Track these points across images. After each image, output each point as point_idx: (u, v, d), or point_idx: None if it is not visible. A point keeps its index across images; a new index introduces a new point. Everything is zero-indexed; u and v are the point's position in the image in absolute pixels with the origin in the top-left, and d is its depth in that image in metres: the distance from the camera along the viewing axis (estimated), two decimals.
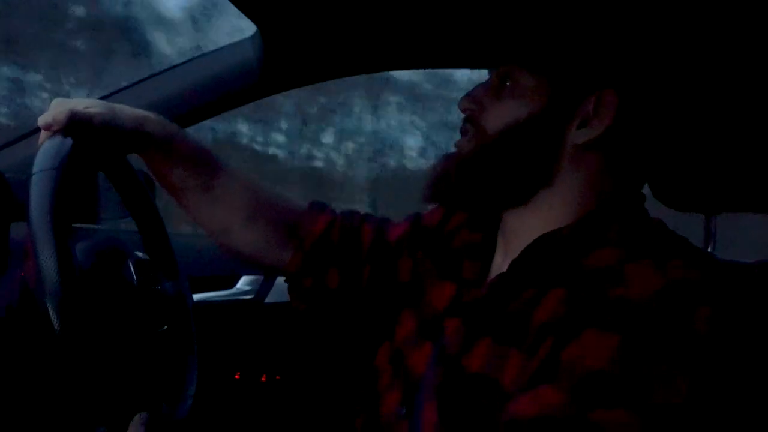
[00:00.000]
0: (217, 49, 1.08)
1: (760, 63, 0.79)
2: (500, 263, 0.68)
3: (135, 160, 0.82)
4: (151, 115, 0.75)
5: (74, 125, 0.67)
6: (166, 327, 0.75)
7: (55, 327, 0.54)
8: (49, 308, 0.54)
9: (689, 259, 0.57)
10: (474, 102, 0.67)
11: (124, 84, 1.10)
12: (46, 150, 0.61)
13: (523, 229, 0.65)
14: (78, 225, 1.07)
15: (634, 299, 0.52)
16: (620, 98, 0.61)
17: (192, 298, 0.89)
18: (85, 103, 0.71)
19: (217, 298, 1.27)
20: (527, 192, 0.64)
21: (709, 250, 1.14)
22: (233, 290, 1.28)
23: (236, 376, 1.30)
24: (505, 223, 0.68)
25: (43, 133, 0.68)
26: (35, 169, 0.59)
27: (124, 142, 0.73)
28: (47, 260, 0.54)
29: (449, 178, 0.67)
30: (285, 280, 0.85)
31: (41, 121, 0.68)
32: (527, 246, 0.63)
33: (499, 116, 0.64)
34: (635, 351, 0.50)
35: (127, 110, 0.73)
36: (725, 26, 0.71)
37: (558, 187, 0.64)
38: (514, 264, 0.63)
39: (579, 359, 0.51)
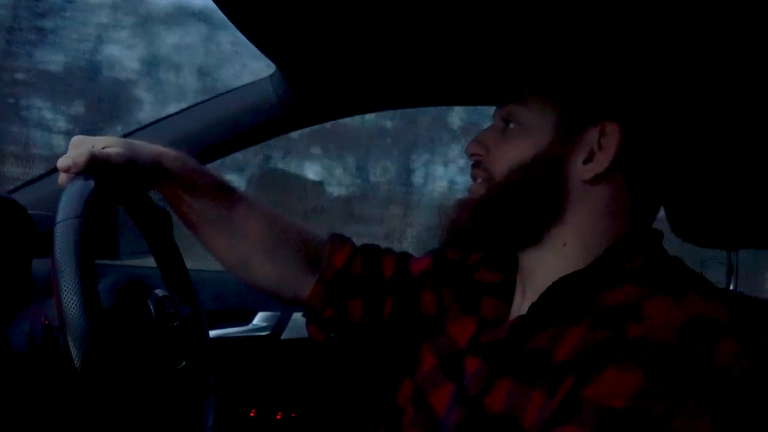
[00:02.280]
0: (237, 88, 1.11)
1: None
2: (520, 303, 0.68)
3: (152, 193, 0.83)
4: (169, 150, 0.76)
5: (93, 165, 0.67)
6: (184, 363, 0.75)
7: (77, 365, 0.54)
8: (71, 345, 0.54)
9: (709, 295, 0.56)
10: (480, 146, 0.68)
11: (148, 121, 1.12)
12: (71, 196, 0.61)
13: (540, 267, 0.66)
14: (99, 261, 1.07)
15: (654, 336, 0.51)
16: (623, 130, 0.61)
17: (209, 334, 0.88)
18: (104, 141, 0.72)
19: (233, 334, 1.26)
20: (539, 230, 0.65)
21: (731, 286, 1.12)
22: (249, 326, 1.28)
23: (251, 413, 1.29)
24: (521, 262, 0.69)
25: (62, 174, 0.69)
26: (60, 216, 0.59)
27: (144, 178, 0.74)
28: (72, 308, 0.55)
29: (463, 223, 0.67)
30: (303, 314, 0.85)
31: (61, 163, 0.68)
32: (547, 289, 0.63)
33: (505, 158, 0.65)
34: (657, 389, 0.49)
35: (145, 147, 0.74)
36: (734, 54, 0.71)
37: (570, 223, 0.64)
38: (534, 307, 0.63)
39: (600, 398, 0.50)
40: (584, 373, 0.52)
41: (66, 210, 0.60)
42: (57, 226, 0.59)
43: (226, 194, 0.80)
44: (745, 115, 0.85)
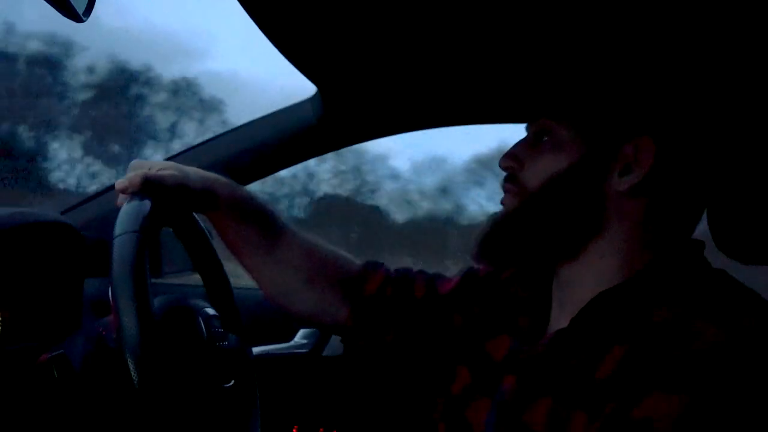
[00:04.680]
0: (278, 110, 1.13)
1: None
2: (557, 318, 0.67)
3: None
4: (220, 177, 0.79)
5: (148, 186, 0.70)
6: (232, 382, 0.76)
7: (135, 382, 0.56)
8: (129, 364, 0.56)
9: (755, 311, 0.55)
10: (513, 160, 0.68)
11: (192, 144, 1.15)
12: (128, 213, 0.64)
13: (578, 281, 0.65)
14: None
15: (699, 357, 0.51)
16: (656, 143, 0.61)
17: (252, 353, 0.90)
18: (159, 165, 0.75)
19: (274, 352, 1.28)
20: (577, 244, 0.64)
21: None
22: (290, 343, 1.29)
23: (294, 430, 1.30)
24: (559, 276, 0.68)
25: (120, 196, 0.72)
26: (119, 231, 0.62)
27: (194, 201, 0.77)
28: (129, 318, 0.57)
29: (497, 237, 0.67)
30: (341, 340, 0.86)
31: (119, 185, 0.72)
32: (587, 303, 0.62)
33: (539, 170, 0.65)
34: (704, 411, 0.48)
35: (197, 172, 0.77)
36: (761, 63, 0.70)
37: (607, 236, 0.63)
38: (574, 321, 0.62)
39: (647, 422, 0.50)
40: (629, 395, 0.52)
41: (124, 225, 0.62)
42: (116, 239, 0.61)
43: (271, 223, 0.81)
44: None
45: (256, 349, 1.22)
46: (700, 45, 0.69)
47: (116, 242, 0.61)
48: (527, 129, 0.70)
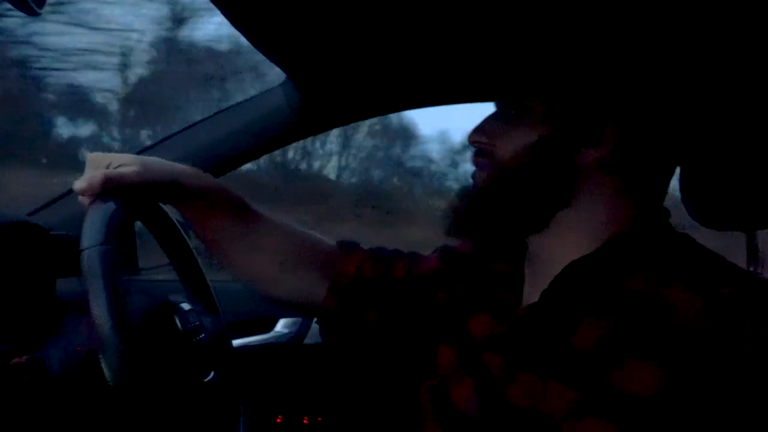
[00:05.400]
0: (248, 99, 1.11)
1: None
2: (530, 292, 0.68)
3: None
4: (186, 167, 0.77)
5: (109, 187, 0.67)
6: (212, 375, 0.76)
7: (109, 381, 0.56)
8: (103, 364, 0.56)
9: (725, 275, 0.56)
10: (483, 134, 0.68)
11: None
12: (93, 222, 0.63)
13: (549, 254, 0.66)
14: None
15: (674, 324, 0.52)
16: (626, 115, 0.61)
17: (232, 345, 0.89)
18: (120, 159, 0.72)
19: (256, 343, 1.27)
20: (547, 215, 0.65)
21: (756, 269, 1.11)
22: (272, 333, 1.29)
23: (278, 420, 1.30)
24: (530, 249, 0.69)
25: (81, 198, 0.69)
26: (86, 243, 0.61)
27: (159, 193, 0.75)
28: (105, 332, 0.57)
29: (470, 211, 0.68)
30: (316, 321, 0.86)
31: (77, 187, 0.68)
32: (557, 276, 0.63)
33: (511, 143, 0.65)
34: (682, 377, 0.49)
35: (160, 164, 0.75)
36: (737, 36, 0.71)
37: (578, 208, 0.64)
38: (545, 294, 0.63)
39: (624, 388, 0.50)
40: (606, 363, 0.52)
41: (90, 238, 0.61)
42: (83, 253, 0.60)
43: (243, 210, 0.80)
44: (761, 92, 0.84)
45: (236, 341, 1.22)
46: (667, 26, 0.69)
47: (85, 256, 0.60)
48: (496, 104, 0.69)
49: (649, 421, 0.49)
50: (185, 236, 0.86)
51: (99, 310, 0.57)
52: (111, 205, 0.65)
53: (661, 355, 0.50)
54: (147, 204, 0.79)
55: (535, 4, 0.67)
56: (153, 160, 0.75)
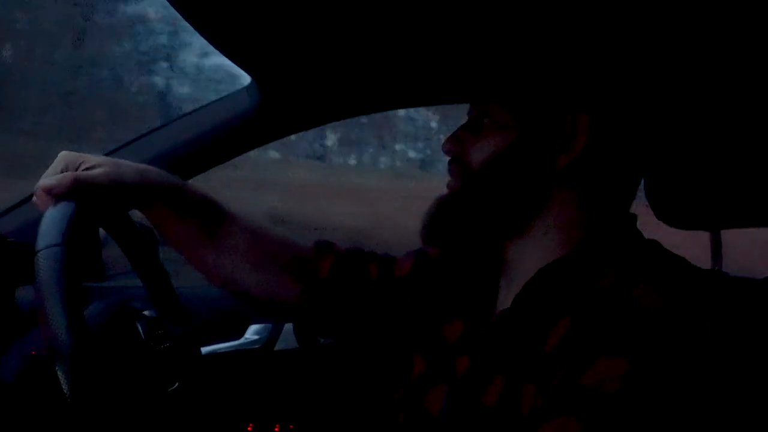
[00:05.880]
0: (213, 101, 1.10)
1: (751, 72, 0.79)
2: (504, 297, 0.68)
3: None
4: (152, 168, 0.76)
5: (78, 189, 0.66)
6: (177, 385, 0.74)
7: (66, 393, 0.54)
8: (60, 375, 0.54)
9: (689, 277, 0.58)
10: (455, 143, 0.69)
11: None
12: (51, 221, 0.61)
13: (522, 258, 0.66)
14: (85, 284, 1.06)
15: (638, 321, 0.53)
16: (592, 118, 0.62)
17: (200, 352, 0.88)
18: (92, 160, 0.71)
19: (225, 349, 1.25)
20: (521, 221, 0.65)
21: (720, 267, 1.13)
22: (242, 340, 1.27)
23: (249, 428, 1.28)
24: (504, 255, 0.69)
25: (42, 194, 0.67)
26: (41, 244, 0.58)
27: (129, 196, 0.74)
28: (60, 334, 0.54)
29: (443, 218, 0.68)
30: (293, 327, 0.85)
31: (44, 185, 0.67)
32: (528, 280, 0.63)
33: (482, 150, 0.66)
34: (646, 373, 0.50)
35: (131, 166, 0.74)
36: (702, 37, 0.72)
37: (549, 213, 0.65)
38: (517, 299, 0.63)
39: (593, 388, 0.51)
40: (576, 364, 0.53)
41: (47, 237, 0.59)
42: (39, 254, 0.58)
43: (212, 211, 0.80)
44: (722, 95, 0.85)
45: (206, 348, 1.20)
46: (631, 22, 0.70)
47: (40, 257, 0.57)
48: (469, 113, 0.70)
49: (619, 417, 0.49)
50: (151, 243, 0.85)
51: (54, 317, 0.54)
52: (71, 206, 0.63)
53: (629, 350, 0.51)
54: (115, 208, 0.78)
55: (499, 8, 0.67)
56: (124, 162, 0.74)
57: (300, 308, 0.82)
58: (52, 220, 0.61)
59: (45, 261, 0.57)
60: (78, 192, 0.66)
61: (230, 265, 0.80)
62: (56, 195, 0.66)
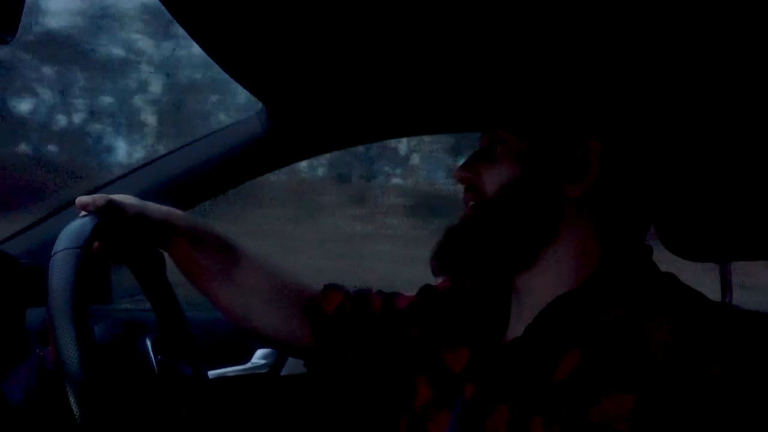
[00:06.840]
0: (224, 127, 1.11)
1: (757, 103, 0.80)
2: (515, 326, 0.68)
3: None
4: (176, 210, 0.79)
5: (109, 209, 0.71)
6: (185, 410, 0.74)
7: (76, 414, 0.54)
8: (70, 395, 0.54)
9: (702, 312, 0.57)
10: (468, 171, 0.68)
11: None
12: (72, 228, 0.61)
13: (535, 289, 0.65)
14: (92, 305, 1.07)
15: (648, 357, 0.52)
16: (605, 147, 0.62)
17: (208, 377, 0.88)
18: (120, 196, 0.75)
19: (232, 373, 1.25)
20: (533, 251, 0.65)
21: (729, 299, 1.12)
22: (248, 364, 1.27)
23: None
24: (517, 285, 0.68)
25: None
26: (59, 246, 0.59)
27: (151, 232, 0.76)
28: (67, 343, 0.54)
29: (455, 248, 0.68)
30: (304, 363, 0.86)
31: (80, 200, 0.71)
32: (541, 311, 0.63)
33: (495, 178, 0.65)
34: (651, 409, 0.49)
35: (155, 205, 0.78)
36: (712, 65, 0.72)
37: (563, 242, 0.64)
38: (529, 328, 0.63)
39: (604, 422, 0.50)
40: (584, 397, 0.52)
41: (65, 240, 0.60)
42: (54, 256, 0.58)
43: (229, 249, 0.82)
44: (732, 127, 0.86)
45: (212, 372, 1.19)
46: (643, 51, 0.71)
47: (55, 259, 0.57)
48: (480, 141, 0.70)
49: None
50: (166, 277, 0.85)
51: (63, 320, 0.54)
52: (95, 218, 0.65)
53: (637, 388, 0.51)
54: (136, 243, 0.79)
55: (510, 37, 0.68)
56: (148, 202, 0.78)
57: (310, 348, 0.83)
58: (72, 227, 0.62)
59: (59, 263, 0.57)
60: (109, 212, 0.70)
61: (244, 303, 0.82)
62: (89, 211, 0.70)
